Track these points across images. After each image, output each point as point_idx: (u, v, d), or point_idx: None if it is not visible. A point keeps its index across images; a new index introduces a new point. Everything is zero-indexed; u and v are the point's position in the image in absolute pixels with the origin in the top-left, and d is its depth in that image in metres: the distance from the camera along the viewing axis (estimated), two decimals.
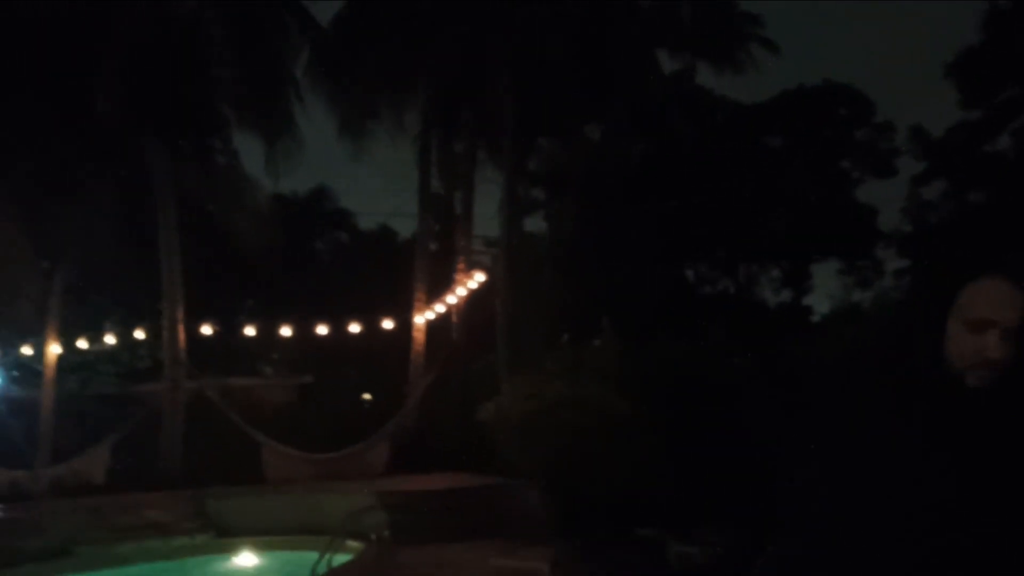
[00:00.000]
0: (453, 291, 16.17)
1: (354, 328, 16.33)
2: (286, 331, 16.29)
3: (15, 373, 15.74)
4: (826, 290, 24.86)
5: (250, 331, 16.72)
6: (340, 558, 8.97)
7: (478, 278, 16.22)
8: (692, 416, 8.15)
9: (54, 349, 14.58)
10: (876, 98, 23.56)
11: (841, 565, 1.42)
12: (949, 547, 1.38)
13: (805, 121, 22.36)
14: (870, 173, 23.61)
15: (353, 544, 9.47)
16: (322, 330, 16.25)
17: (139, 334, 16.04)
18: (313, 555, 9.02)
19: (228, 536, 11.17)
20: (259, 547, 10.76)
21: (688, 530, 6.67)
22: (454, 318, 16.38)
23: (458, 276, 16.17)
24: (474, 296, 16.23)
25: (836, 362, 1.64)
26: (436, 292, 16.45)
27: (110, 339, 15.99)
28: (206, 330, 15.67)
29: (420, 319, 16.20)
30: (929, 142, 21.00)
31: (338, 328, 16.28)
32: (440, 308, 16.36)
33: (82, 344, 15.61)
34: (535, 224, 23.81)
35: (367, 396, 18.17)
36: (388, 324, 16.40)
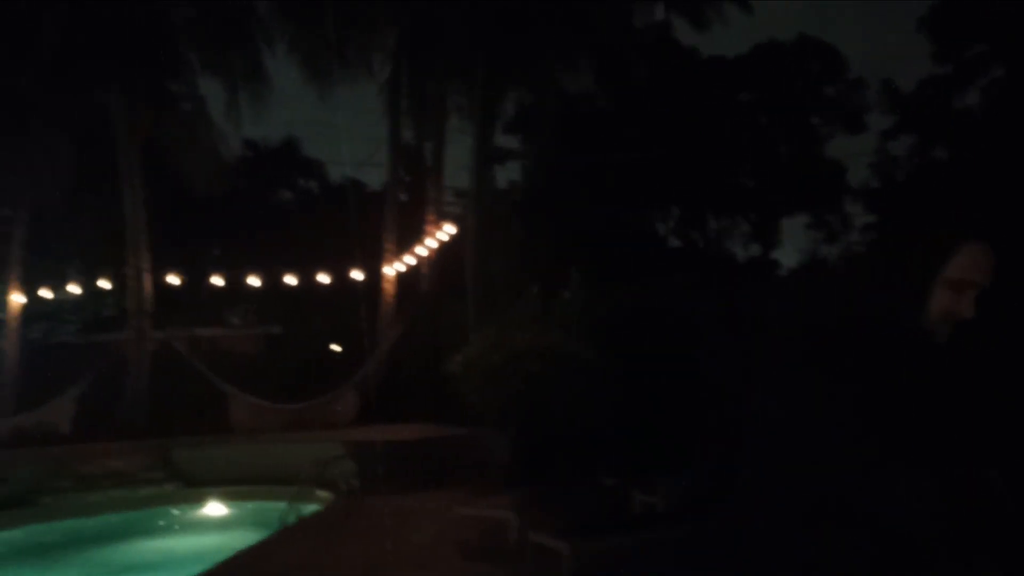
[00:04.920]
0: (423, 242, 16.08)
1: (323, 279, 16.22)
2: (254, 281, 16.14)
3: None
4: (795, 244, 25.13)
5: (217, 281, 16.56)
6: (308, 508, 9.01)
7: (448, 229, 16.12)
8: (652, 361, 8.25)
9: (17, 298, 14.34)
10: (849, 53, 23.60)
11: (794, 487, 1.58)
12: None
13: (776, 76, 22.29)
14: (840, 128, 23.69)
15: (321, 494, 9.51)
16: (291, 280, 16.13)
17: (104, 283, 15.80)
18: (281, 505, 9.01)
19: (195, 486, 11.14)
20: (227, 497, 10.76)
21: (651, 480, 6.76)
22: (424, 269, 16.31)
23: (428, 227, 16.06)
24: (444, 247, 16.15)
25: (797, 312, 1.77)
26: (406, 243, 16.34)
27: (74, 288, 15.74)
28: (172, 279, 15.48)
29: (390, 270, 16.12)
30: (899, 96, 21.04)
31: (307, 278, 16.15)
32: (410, 259, 16.28)
33: (46, 293, 15.37)
34: (509, 175, 23.70)
35: (336, 347, 18.11)
36: (357, 275, 16.31)
